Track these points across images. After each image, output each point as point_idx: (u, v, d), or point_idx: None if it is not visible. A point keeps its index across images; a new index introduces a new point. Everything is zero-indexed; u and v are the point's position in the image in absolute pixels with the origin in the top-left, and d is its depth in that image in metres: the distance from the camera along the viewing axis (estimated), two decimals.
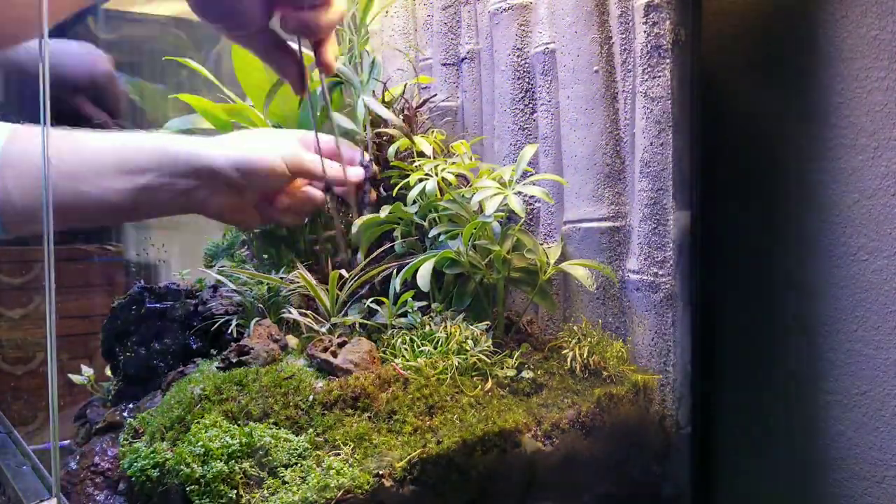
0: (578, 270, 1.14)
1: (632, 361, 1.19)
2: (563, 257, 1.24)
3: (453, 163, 1.24)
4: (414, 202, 1.26)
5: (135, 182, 1.09)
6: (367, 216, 1.26)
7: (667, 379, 1.17)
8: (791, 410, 1.18)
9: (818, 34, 1.12)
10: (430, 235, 1.22)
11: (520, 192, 1.13)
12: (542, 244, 1.29)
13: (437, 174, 1.21)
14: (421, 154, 1.27)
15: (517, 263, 1.19)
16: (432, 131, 1.39)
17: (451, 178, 1.22)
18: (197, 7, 0.92)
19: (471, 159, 1.29)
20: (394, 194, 1.26)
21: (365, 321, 1.18)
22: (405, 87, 1.43)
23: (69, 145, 1.11)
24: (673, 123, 1.13)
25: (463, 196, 1.20)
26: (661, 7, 1.12)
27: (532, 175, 1.27)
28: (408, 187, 1.27)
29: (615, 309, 1.22)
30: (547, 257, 1.19)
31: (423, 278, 1.11)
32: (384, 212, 1.25)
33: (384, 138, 1.34)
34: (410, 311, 1.16)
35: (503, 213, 1.15)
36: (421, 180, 1.20)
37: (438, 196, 1.23)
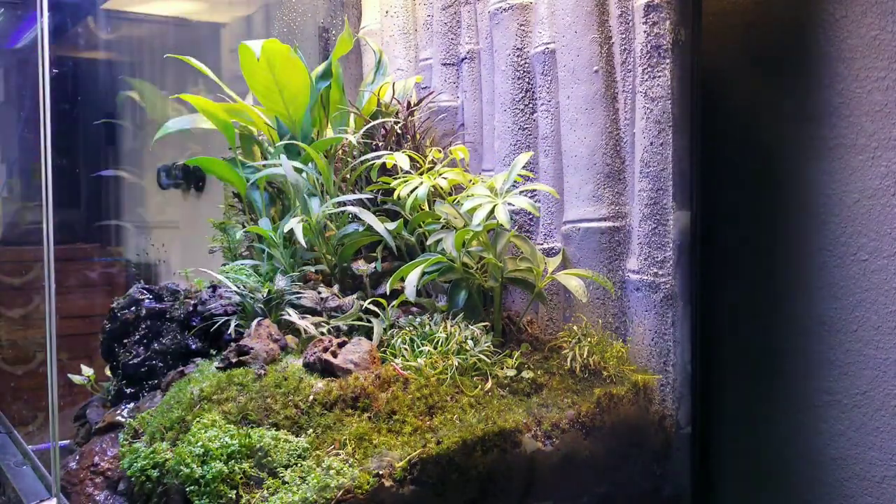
0: (572, 282, 1.14)
1: (632, 361, 1.19)
2: (564, 262, 1.24)
3: (441, 175, 1.24)
4: (398, 216, 1.26)
5: None
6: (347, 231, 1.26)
7: (667, 379, 1.17)
8: (791, 410, 1.18)
9: (818, 34, 1.12)
10: (428, 243, 1.22)
11: (508, 203, 1.13)
12: (542, 245, 1.29)
13: (429, 180, 1.21)
14: (402, 169, 1.27)
15: (511, 269, 1.19)
16: (431, 136, 1.39)
17: (444, 184, 1.22)
18: None
19: (466, 168, 1.30)
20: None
21: (360, 322, 1.19)
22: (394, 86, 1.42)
23: None
24: (673, 123, 1.13)
25: (458, 202, 1.21)
26: (661, 7, 1.12)
27: (528, 181, 1.28)
28: (394, 202, 1.28)
29: (615, 309, 1.22)
30: (545, 265, 1.19)
31: (411, 285, 1.11)
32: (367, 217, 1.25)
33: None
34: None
35: (495, 223, 1.15)
36: (413, 189, 1.19)
37: (427, 208, 1.23)
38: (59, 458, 1.15)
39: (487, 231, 1.18)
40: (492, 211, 1.11)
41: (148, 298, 1.28)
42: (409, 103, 1.42)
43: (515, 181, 1.18)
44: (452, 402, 1.03)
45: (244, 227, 1.48)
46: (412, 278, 1.12)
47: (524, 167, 1.23)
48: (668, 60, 1.12)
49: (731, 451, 1.27)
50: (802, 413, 1.16)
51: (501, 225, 1.14)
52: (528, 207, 1.13)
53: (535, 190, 1.28)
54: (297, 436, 0.96)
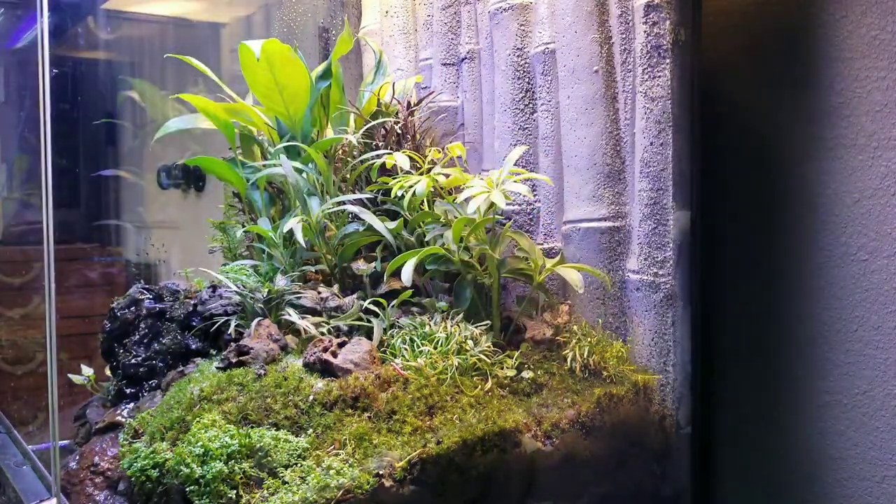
0: (571, 274, 1.14)
1: (632, 361, 1.19)
2: (564, 262, 1.24)
3: (440, 173, 1.25)
4: (398, 216, 1.27)
5: None
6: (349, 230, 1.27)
7: (667, 379, 1.17)
8: (791, 410, 1.18)
9: (818, 34, 1.12)
10: (426, 240, 1.23)
11: (504, 190, 1.14)
12: (542, 245, 1.29)
13: (428, 178, 1.21)
14: (402, 169, 1.27)
15: (512, 265, 1.19)
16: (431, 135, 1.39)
17: (443, 179, 1.23)
18: None
19: (465, 167, 1.30)
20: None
21: (361, 322, 1.19)
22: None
23: None
24: (673, 123, 1.13)
25: (455, 201, 1.21)
26: (661, 7, 1.12)
27: (527, 182, 1.28)
28: (394, 202, 1.28)
29: (615, 309, 1.22)
30: (544, 262, 1.19)
31: (407, 273, 1.12)
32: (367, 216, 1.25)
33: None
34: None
35: (492, 217, 1.15)
36: (411, 186, 1.20)
37: (427, 208, 1.24)
38: (59, 458, 1.15)
39: (486, 230, 1.18)
40: (488, 198, 1.12)
41: (148, 298, 1.28)
42: (409, 103, 1.42)
43: (512, 172, 1.19)
44: (452, 402, 1.03)
45: (244, 227, 1.48)
46: (408, 268, 1.13)
47: (524, 167, 1.23)
48: (668, 60, 1.12)
49: (731, 451, 1.27)
50: (802, 413, 1.16)
51: (499, 221, 1.14)
52: (523, 191, 1.14)
53: (529, 180, 1.28)
54: (297, 436, 0.96)
